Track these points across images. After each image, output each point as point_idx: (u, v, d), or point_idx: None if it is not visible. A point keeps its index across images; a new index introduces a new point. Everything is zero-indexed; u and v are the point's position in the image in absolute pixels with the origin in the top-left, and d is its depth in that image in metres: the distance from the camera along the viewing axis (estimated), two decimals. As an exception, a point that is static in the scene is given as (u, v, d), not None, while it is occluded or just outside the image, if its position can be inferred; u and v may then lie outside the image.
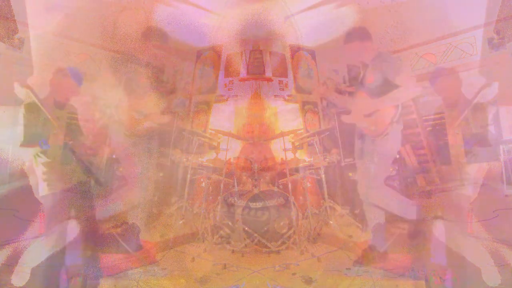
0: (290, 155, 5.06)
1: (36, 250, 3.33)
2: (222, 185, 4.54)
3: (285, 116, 5.63)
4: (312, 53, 5.74)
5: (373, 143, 3.97)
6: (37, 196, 3.51)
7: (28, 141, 3.55)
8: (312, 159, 5.09)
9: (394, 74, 3.89)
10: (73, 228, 3.50)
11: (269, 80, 5.51)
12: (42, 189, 3.52)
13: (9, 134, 3.65)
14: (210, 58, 5.69)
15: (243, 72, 5.48)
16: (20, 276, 3.23)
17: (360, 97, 4.05)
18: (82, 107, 3.99)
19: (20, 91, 3.61)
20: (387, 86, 3.86)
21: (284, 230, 4.26)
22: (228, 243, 4.25)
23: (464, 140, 3.67)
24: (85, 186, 3.67)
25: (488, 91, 3.62)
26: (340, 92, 5.52)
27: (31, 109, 3.57)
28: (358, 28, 4.16)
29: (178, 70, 5.62)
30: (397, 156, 4.54)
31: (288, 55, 5.63)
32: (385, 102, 3.85)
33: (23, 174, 3.59)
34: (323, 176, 4.71)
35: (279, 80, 5.58)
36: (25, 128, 3.57)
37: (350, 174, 4.83)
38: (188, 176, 4.76)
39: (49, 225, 3.42)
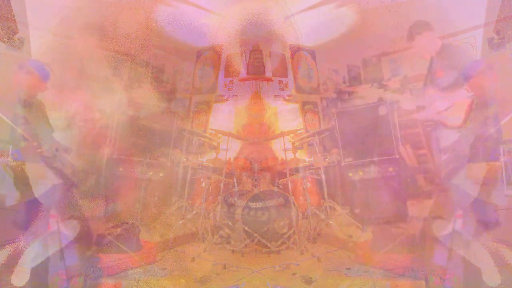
0: (290, 155, 5.06)
1: (36, 250, 3.32)
2: (222, 185, 4.53)
3: (285, 116, 5.64)
4: (312, 53, 5.75)
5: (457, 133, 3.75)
6: (37, 196, 3.49)
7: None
8: (312, 159, 5.09)
9: (463, 64, 3.70)
10: (73, 228, 3.50)
11: (269, 80, 5.52)
12: (10, 200, 3.40)
13: (9, 134, 3.63)
14: (210, 58, 5.69)
15: (243, 72, 5.48)
16: (20, 276, 3.22)
17: (431, 94, 3.87)
18: (82, 107, 3.99)
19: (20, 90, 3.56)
20: (459, 79, 3.67)
21: (284, 230, 4.25)
22: (228, 243, 4.25)
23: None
24: (85, 186, 3.65)
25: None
26: (340, 92, 5.53)
27: None
28: (417, 21, 4.03)
29: (178, 70, 5.63)
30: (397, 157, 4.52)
31: (288, 55, 5.63)
32: (460, 96, 3.65)
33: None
34: (323, 176, 4.71)
35: (279, 80, 5.58)
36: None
37: (350, 174, 4.83)
38: (188, 176, 4.77)
39: (48, 225, 3.41)
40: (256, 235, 4.20)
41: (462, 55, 3.86)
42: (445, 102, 3.73)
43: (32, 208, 3.45)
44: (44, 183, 3.39)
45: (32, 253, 3.31)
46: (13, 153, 3.35)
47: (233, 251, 4.20)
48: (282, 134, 4.81)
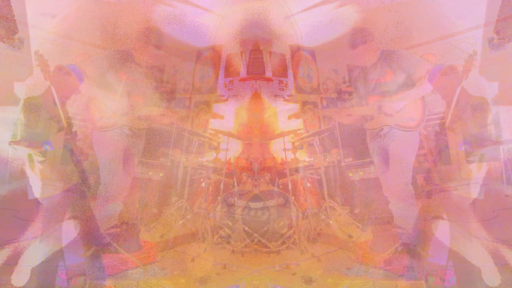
0: (290, 155, 5.06)
1: (36, 250, 3.33)
2: (222, 185, 4.54)
3: (285, 116, 5.63)
4: (312, 53, 5.74)
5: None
6: (37, 196, 3.50)
7: (27, 140, 3.45)
8: (312, 159, 5.09)
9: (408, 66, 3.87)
10: (73, 228, 3.50)
11: (269, 80, 5.51)
12: (39, 191, 3.46)
13: (9, 134, 3.64)
14: (210, 58, 5.68)
15: (243, 72, 5.48)
16: (20, 276, 3.22)
17: (376, 101, 4.01)
18: (82, 107, 3.99)
19: (20, 90, 3.58)
20: (407, 80, 3.83)
21: (284, 230, 4.26)
22: (228, 243, 4.25)
23: (464, 141, 3.66)
24: (85, 186, 3.66)
25: (489, 89, 3.61)
26: (340, 92, 5.54)
27: (31, 105, 3.48)
28: (361, 30, 4.12)
29: (178, 70, 5.62)
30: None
31: (288, 55, 5.62)
32: (411, 96, 3.80)
33: (23, 174, 3.59)
34: (323, 176, 4.71)
35: (279, 80, 5.58)
36: (22, 126, 3.47)
37: (350, 174, 4.83)
38: (188, 176, 4.77)
39: (49, 225, 3.42)
40: (256, 235, 4.20)
41: (404, 59, 4.01)
42: (394, 105, 3.86)
43: (32, 208, 3.45)
44: (68, 180, 3.46)
45: (32, 253, 3.31)
46: (45, 145, 3.39)
47: (233, 251, 4.20)
48: (282, 134, 4.81)
